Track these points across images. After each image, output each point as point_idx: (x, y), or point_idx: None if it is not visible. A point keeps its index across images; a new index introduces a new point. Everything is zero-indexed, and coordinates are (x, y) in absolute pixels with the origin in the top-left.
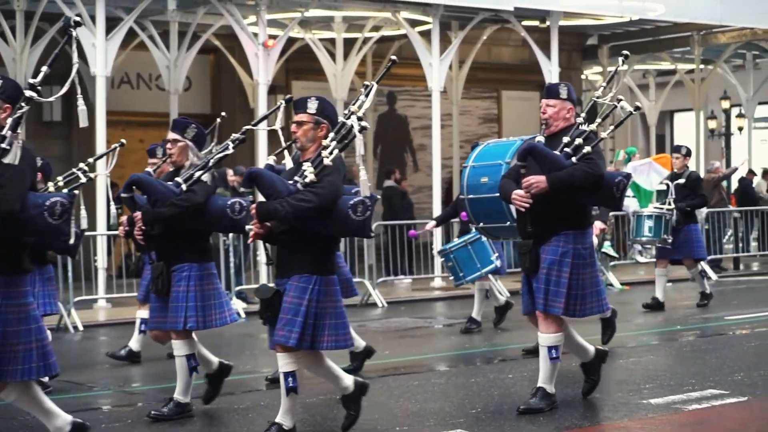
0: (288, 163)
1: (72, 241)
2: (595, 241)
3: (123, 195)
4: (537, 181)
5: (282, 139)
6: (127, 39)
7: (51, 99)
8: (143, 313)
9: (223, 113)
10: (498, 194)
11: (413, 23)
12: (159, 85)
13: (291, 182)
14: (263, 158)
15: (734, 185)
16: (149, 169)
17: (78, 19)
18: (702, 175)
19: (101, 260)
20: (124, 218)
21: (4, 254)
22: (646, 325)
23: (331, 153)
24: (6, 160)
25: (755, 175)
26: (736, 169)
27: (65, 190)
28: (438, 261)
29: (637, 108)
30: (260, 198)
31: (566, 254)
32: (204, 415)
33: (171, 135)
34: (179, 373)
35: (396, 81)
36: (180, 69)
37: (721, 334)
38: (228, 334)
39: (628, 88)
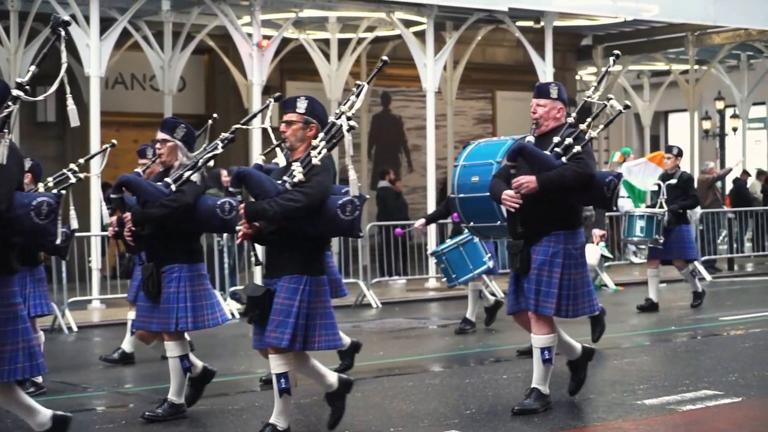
0: (281, 161)
1: (59, 241)
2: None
3: (112, 196)
4: (527, 181)
5: (273, 137)
6: (121, 39)
7: (38, 98)
8: (133, 314)
9: (215, 114)
10: (488, 193)
11: (407, 24)
12: (153, 86)
13: (280, 182)
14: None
15: (729, 187)
16: (138, 169)
17: (67, 18)
18: (696, 175)
19: (95, 261)
20: (113, 219)
21: None
22: (640, 325)
23: (319, 153)
24: None
25: (749, 175)
26: (730, 170)
27: (54, 191)
28: (432, 262)
29: (627, 107)
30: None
31: (557, 254)
32: (198, 416)
33: (160, 135)
34: (173, 374)
35: (390, 81)
36: (174, 69)
37: (715, 334)
38: (222, 335)
39: (622, 89)
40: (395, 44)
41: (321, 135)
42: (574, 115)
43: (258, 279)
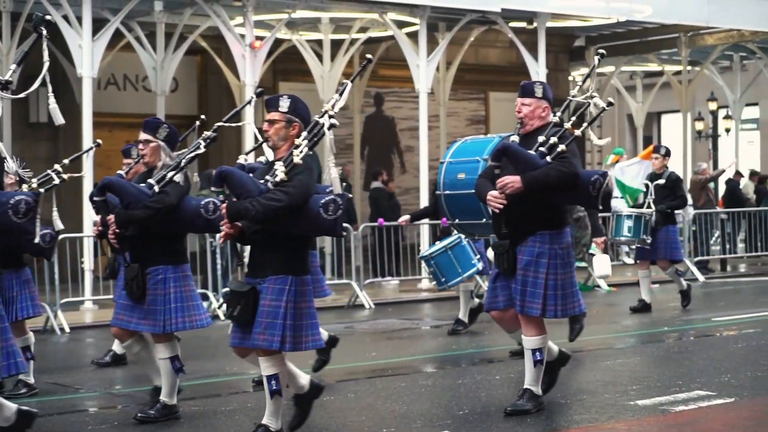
0: (271, 156)
1: (37, 239)
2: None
3: (96, 198)
4: (512, 181)
5: (259, 136)
6: (113, 40)
7: (20, 96)
8: None
9: (202, 116)
10: (474, 191)
11: (400, 24)
12: (146, 87)
13: (262, 181)
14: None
15: (721, 188)
16: (121, 171)
17: (48, 17)
18: (689, 176)
19: (87, 262)
20: (97, 219)
21: None
22: (633, 326)
23: (301, 152)
24: None
25: (742, 176)
26: (723, 171)
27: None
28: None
29: (610, 104)
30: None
31: (542, 254)
32: (191, 417)
33: (143, 136)
34: (164, 376)
35: (383, 82)
36: (167, 70)
37: (707, 335)
38: (215, 335)
39: (615, 90)
40: (388, 45)
41: (304, 134)
42: (559, 114)
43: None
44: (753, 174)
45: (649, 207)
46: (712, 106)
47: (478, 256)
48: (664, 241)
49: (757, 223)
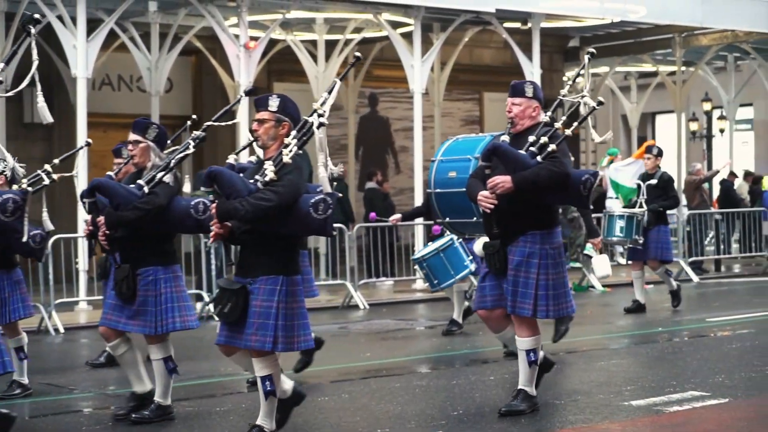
0: (262, 154)
1: (26, 238)
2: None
3: (85, 200)
4: (502, 181)
5: (250, 135)
6: (108, 40)
7: (9, 93)
8: None
9: (194, 115)
10: (465, 189)
11: (395, 25)
12: (140, 87)
13: (252, 181)
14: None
15: (716, 188)
16: (110, 172)
17: (37, 15)
18: (683, 177)
19: (82, 262)
20: (88, 218)
21: None
22: (627, 326)
23: (290, 151)
24: None
25: (736, 177)
26: (717, 172)
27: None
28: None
29: (600, 103)
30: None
31: (533, 255)
32: (185, 417)
33: (132, 136)
34: (158, 377)
35: (378, 83)
36: (161, 70)
37: (702, 335)
38: (209, 336)
39: (610, 90)
40: (382, 45)
41: (293, 133)
42: (549, 113)
43: None
44: (747, 174)
45: (641, 207)
46: (707, 106)
47: (471, 257)
48: (655, 241)
49: (752, 224)
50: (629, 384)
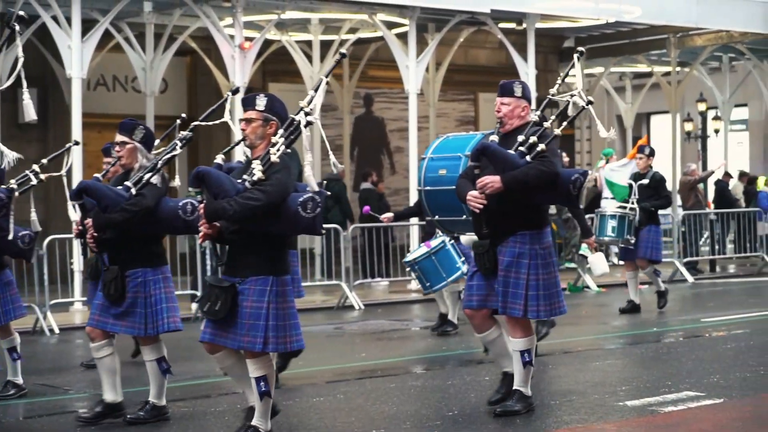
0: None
1: (11, 236)
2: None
3: (73, 202)
4: (491, 181)
5: (237, 134)
6: (102, 41)
7: None
8: None
9: (183, 114)
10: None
11: (390, 25)
12: (135, 87)
13: (240, 181)
14: (239, 155)
15: (711, 189)
16: (98, 174)
17: (22, 13)
18: (678, 177)
19: (77, 263)
20: (77, 218)
21: None
22: (622, 327)
23: (278, 150)
24: None
25: (731, 177)
26: (712, 173)
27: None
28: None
29: (590, 102)
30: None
31: (523, 255)
32: (180, 418)
33: (119, 137)
34: (152, 377)
35: (373, 83)
36: (156, 71)
37: (697, 336)
38: None
39: (605, 91)
40: (377, 46)
41: (281, 132)
42: (538, 113)
43: None
44: (742, 175)
45: (632, 207)
46: (701, 107)
47: (463, 259)
48: (645, 240)
49: (746, 224)
50: (624, 384)
